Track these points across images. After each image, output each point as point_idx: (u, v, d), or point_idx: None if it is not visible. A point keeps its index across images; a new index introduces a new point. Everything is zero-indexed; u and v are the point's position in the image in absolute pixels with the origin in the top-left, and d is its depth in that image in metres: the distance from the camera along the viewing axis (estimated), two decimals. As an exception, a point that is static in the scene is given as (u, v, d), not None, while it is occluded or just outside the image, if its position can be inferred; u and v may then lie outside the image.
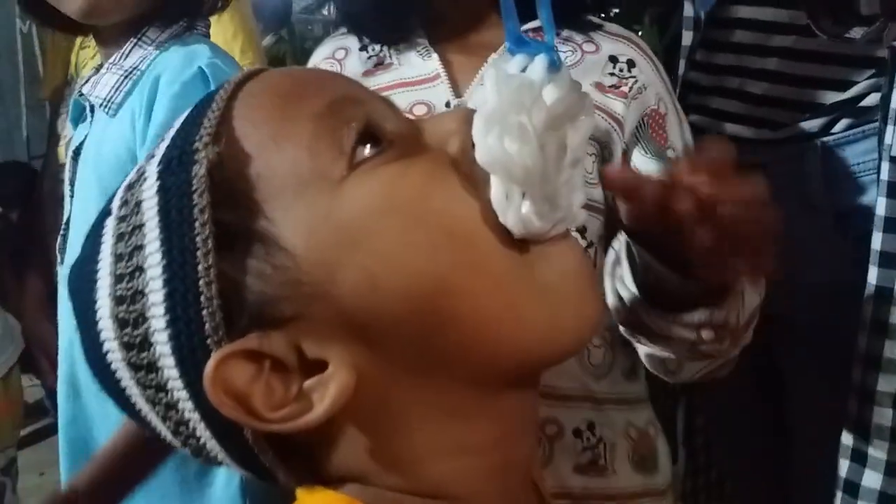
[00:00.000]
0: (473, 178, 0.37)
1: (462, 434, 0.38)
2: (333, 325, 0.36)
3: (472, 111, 0.39)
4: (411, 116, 0.76)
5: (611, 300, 0.60)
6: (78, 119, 0.94)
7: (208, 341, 0.35)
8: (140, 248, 0.37)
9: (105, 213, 0.40)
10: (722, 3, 0.92)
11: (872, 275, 0.83)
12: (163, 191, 0.37)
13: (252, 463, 0.39)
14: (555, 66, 0.38)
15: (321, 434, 0.37)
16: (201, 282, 0.35)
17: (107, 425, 0.87)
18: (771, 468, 1.10)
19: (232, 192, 0.36)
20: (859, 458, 0.88)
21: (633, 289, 0.56)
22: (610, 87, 0.75)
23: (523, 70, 0.38)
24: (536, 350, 0.38)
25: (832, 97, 0.88)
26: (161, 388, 0.37)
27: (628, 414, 0.79)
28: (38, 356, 1.35)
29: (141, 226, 0.37)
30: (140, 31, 0.88)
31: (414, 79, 0.79)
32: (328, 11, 2.58)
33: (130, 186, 0.39)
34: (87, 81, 0.92)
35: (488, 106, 0.37)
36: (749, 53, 0.92)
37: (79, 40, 1.29)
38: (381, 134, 0.37)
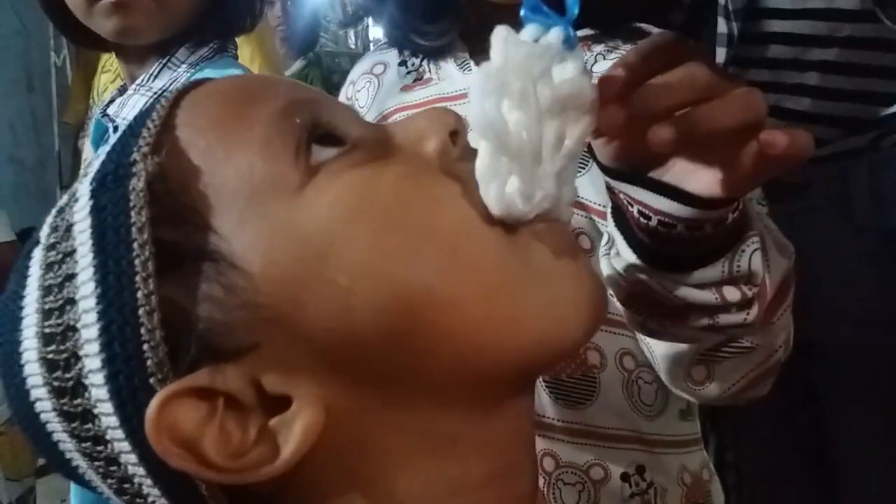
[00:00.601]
0: (456, 176, 0.33)
1: (453, 473, 0.33)
2: (298, 355, 0.31)
3: (446, 109, 0.35)
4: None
5: (614, 288, 0.51)
6: (99, 141, 0.90)
7: (151, 380, 0.30)
8: (71, 276, 0.32)
9: (32, 243, 0.35)
10: (755, 18, 0.88)
11: None
12: (96, 210, 0.32)
13: None
14: (570, 42, 0.34)
15: (286, 482, 0.31)
16: (141, 311, 0.30)
17: None
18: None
19: (175, 206, 0.32)
20: None
21: (634, 258, 0.46)
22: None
23: (535, 41, 0.35)
24: (540, 347, 0.33)
25: (878, 111, 0.84)
26: (99, 439, 0.32)
27: (682, 457, 0.72)
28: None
29: (72, 252, 0.32)
30: (169, 52, 0.85)
31: (453, 93, 0.74)
32: (355, 45, 2.60)
33: (61, 211, 0.34)
34: (111, 102, 0.89)
35: (492, 64, 0.33)
36: (786, 68, 0.88)
37: (100, 64, 1.27)
38: (343, 135, 0.33)
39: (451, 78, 0.76)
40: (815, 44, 0.86)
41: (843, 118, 0.85)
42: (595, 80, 0.35)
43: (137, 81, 0.86)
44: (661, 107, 0.35)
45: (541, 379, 0.66)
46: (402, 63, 0.79)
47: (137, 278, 0.30)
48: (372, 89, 0.81)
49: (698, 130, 0.35)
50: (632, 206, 0.43)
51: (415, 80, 0.78)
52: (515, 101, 0.32)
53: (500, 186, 0.32)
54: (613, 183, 0.43)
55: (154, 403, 0.29)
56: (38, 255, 0.34)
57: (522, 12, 0.35)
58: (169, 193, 0.32)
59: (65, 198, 0.35)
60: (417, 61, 0.78)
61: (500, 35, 0.34)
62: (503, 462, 0.34)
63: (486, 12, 0.73)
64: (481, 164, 0.32)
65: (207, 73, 0.85)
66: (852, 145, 0.85)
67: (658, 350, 0.57)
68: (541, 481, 0.66)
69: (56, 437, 0.33)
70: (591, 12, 0.36)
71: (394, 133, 0.35)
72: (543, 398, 0.67)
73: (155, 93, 0.84)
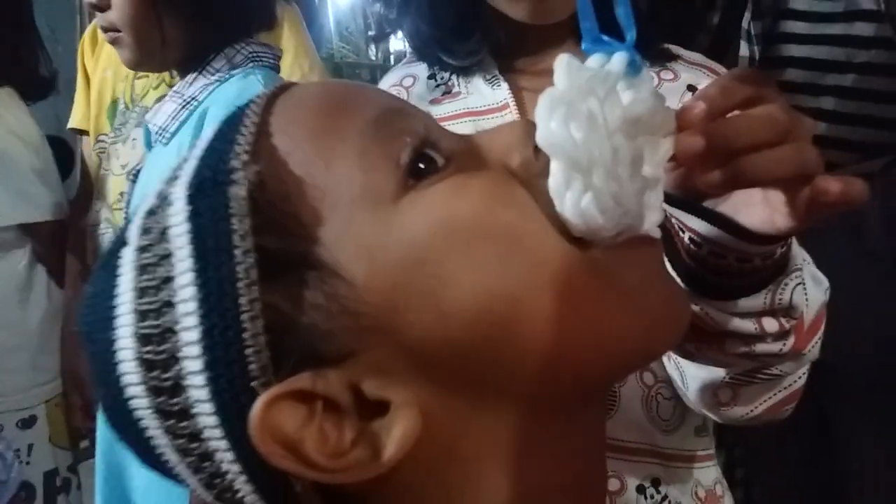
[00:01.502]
0: (539, 192, 0.34)
1: (532, 479, 0.34)
2: (396, 361, 0.32)
3: (531, 122, 0.35)
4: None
5: None
6: (150, 144, 0.94)
7: (253, 383, 0.31)
8: (169, 280, 0.33)
9: (119, 242, 0.36)
10: (775, 42, 0.90)
11: None
12: (195, 216, 0.33)
13: None
14: (635, 66, 0.34)
15: (379, 483, 0.32)
16: (244, 316, 0.31)
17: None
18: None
19: (276, 215, 0.32)
20: None
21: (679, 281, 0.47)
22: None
23: (603, 66, 0.35)
24: (622, 360, 0.35)
25: (892, 137, 0.86)
26: (195, 436, 0.33)
27: (696, 472, 0.73)
28: (70, 392, 1.30)
29: (168, 255, 0.33)
30: (205, 61, 0.88)
31: (481, 108, 0.76)
32: (375, 56, 2.60)
33: (152, 212, 0.35)
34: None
35: (556, 89, 0.34)
36: (802, 93, 0.90)
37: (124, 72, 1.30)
38: (438, 149, 0.34)
39: (479, 92, 0.77)
40: (831, 69, 0.88)
41: (856, 143, 0.87)
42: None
43: (174, 88, 0.89)
44: (740, 143, 0.36)
45: None
46: (431, 76, 0.81)
47: (240, 284, 0.31)
48: None
49: (762, 177, 0.37)
50: (683, 232, 0.44)
51: (444, 94, 0.80)
52: (583, 122, 0.32)
53: (575, 200, 0.32)
54: (666, 207, 0.43)
55: (258, 406, 0.30)
56: (129, 255, 0.34)
57: (584, 46, 0.35)
58: (269, 202, 0.32)
59: (153, 200, 0.35)
60: (447, 75, 0.80)
61: (563, 61, 0.35)
62: (578, 470, 0.35)
63: (515, 30, 0.74)
64: (554, 182, 0.33)
65: (231, 82, 0.87)
66: (864, 170, 0.87)
67: (689, 371, 0.58)
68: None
69: (149, 433, 0.34)
70: (618, 35, 0.36)
71: (480, 144, 0.36)
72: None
73: (185, 99, 0.86)
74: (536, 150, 0.34)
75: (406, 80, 0.83)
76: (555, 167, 0.32)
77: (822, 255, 0.66)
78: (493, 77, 0.76)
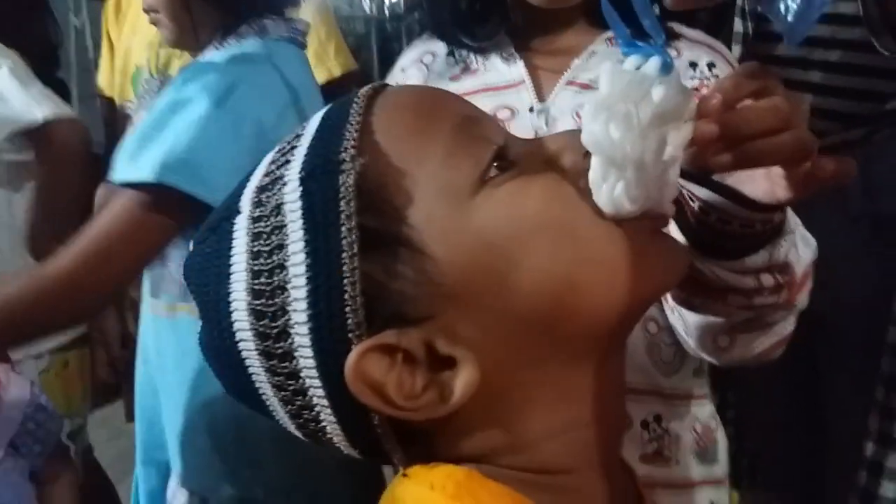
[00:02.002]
0: (584, 186, 0.41)
1: (569, 413, 0.42)
2: (464, 325, 0.39)
3: (580, 130, 0.42)
4: (497, 120, 0.81)
5: None
6: None
7: (350, 335, 0.38)
8: (282, 246, 0.39)
9: (230, 210, 0.43)
10: (766, 18, 0.96)
11: None
12: (307, 195, 0.39)
13: (368, 446, 0.42)
14: (667, 67, 0.41)
15: (444, 421, 0.40)
16: (345, 280, 0.38)
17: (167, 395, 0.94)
18: (802, 453, 1.15)
19: (376, 200, 0.39)
20: (884, 441, 0.94)
21: (687, 243, 0.55)
22: (692, 89, 0.78)
23: (637, 69, 0.42)
24: (641, 304, 0.43)
25: (874, 108, 0.93)
26: (293, 375, 0.40)
27: (694, 408, 0.83)
28: (94, 346, 1.38)
29: (282, 226, 0.40)
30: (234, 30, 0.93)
31: (499, 84, 0.82)
32: (370, 9, 2.60)
33: (263, 189, 0.42)
34: None
35: (600, 94, 0.41)
36: (792, 66, 0.97)
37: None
38: (509, 152, 0.41)
39: (496, 69, 0.84)
40: (818, 45, 0.95)
41: (841, 114, 0.95)
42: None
43: (198, 57, 0.94)
44: (748, 131, 0.43)
45: None
46: (450, 53, 0.87)
47: (344, 255, 0.38)
48: (421, 77, 0.89)
49: (766, 160, 0.45)
50: (693, 201, 0.52)
51: (462, 70, 0.86)
52: (620, 122, 0.39)
53: (609, 191, 0.39)
54: (680, 180, 0.50)
55: (353, 355, 0.38)
56: (243, 223, 0.41)
57: (622, 50, 0.42)
58: (371, 190, 0.39)
59: (263, 178, 0.42)
60: (465, 53, 0.86)
61: (607, 69, 0.41)
62: (604, 406, 0.43)
63: (531, 12, 0.81)
64: (593, 175, 0.40)
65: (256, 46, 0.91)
66: (847, 139, 0.94)
67: (691, 320, 0.66)
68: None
69: (252, 370, 0.41)
70: (621, 13, 0.42)
71: (541, 147, 0.43)
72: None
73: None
74: (586, 153, 0.41)
75: (426, 56, 0.89)
76: (594, 162, 0.40)
77: (810, 219, 0.75)
78: (510, 55, 0.83)
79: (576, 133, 0.42)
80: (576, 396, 0.42)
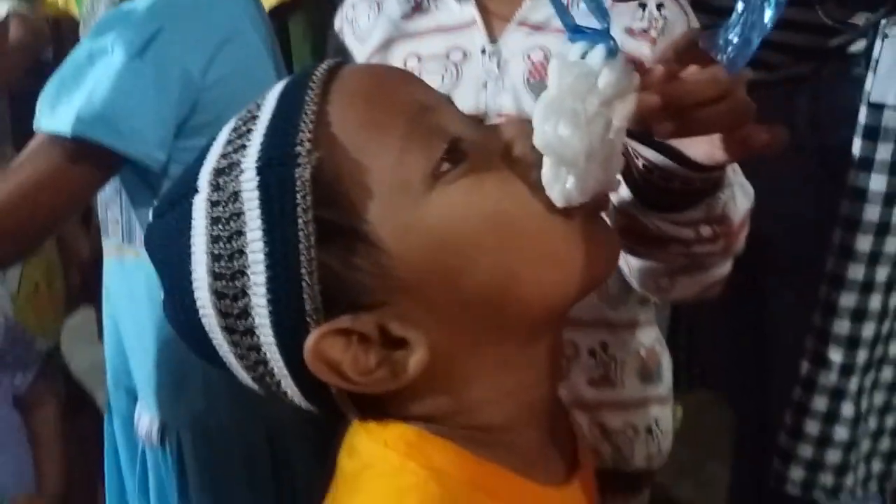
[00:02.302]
0: (533, 178, 0.43)
1: (508, 381, 0.47)
2: (416, 311, 0.43)
3: (530, 122, 0.44)
4: (448, 62, 0.82)
5: (610, 217, 0.63)
6: None
7: (308, 319, 0.41)
8: (240, 233, 0.42)
9: (190, 190, 0.44)
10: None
11: (844, 207, 0.93)
12: (264, 187, 0.41)
13: (326, 407, 0.46)
14: (612, 52, 0.43)
15: (395, 390, 0.44)
16: (303, 270, 0.41)
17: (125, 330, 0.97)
18: (748, 367, 1.24)
19: (332, 193, 0.41)
20: (817, 361, 1.01)
21: (631, 197, 0.59)
22: (640, 31, 0.78)
23: (583, 56, 0.44)
24: (578, 294, 0.46)
25: (824, 43, 0.95)
26: (254, 348, 0.44)
27: (639, 335, 0.89)
28: (67, 266, 1.42)
29: (240, 214, 0.42)
30: None
31: (451, 25, 0.83)
32: None
33: (220, 172, 0.43)
34: None
35: (549, 94, 0.43)
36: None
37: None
38: (461, 144, 0.43)
39: (448, 9, 0.84)
40: None
41: (792, 46, 0.97)
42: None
43: None
44: (688, 101, 0.45)
45: None
46: None
47: (301, 246, 0.40)
48: (373, 15, 0.88)
49: (705, 128, 0.47)
50: (638, 158, 0.55)
51: (413, 10, 0.86)
52: (568, 121, 0.41)
53: (561, 188, 0.42)
54: (627, 140, 0.52)
55: (311, 338, 0.41)
56: (201, 205, 0.43)
57: (568, 36, 0.44)
58: (327, 182, 0.41)
59: (218, 159, 0.44)
60: None
61: (554, 66, 0.43)
62: (539, 374, 0.48)
63: None
64: (545, 174, 0.42)
65: None
66: (797, 72, 0.97)
67: (634, 264, 0.71)
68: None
69: (215, 341, 0.45)
70: None
71: (493, 134, 0.45)
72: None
73: None
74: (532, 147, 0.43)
75: None
76: (546, 162, 0.42)
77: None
78: None
79: (527, 122, 0.44)
80: (515, 368, 0.47)
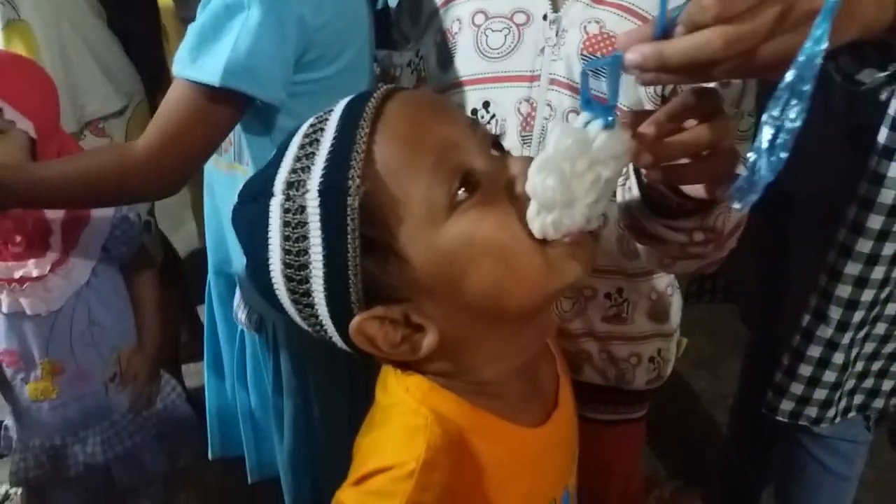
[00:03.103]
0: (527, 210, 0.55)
1: (503, 350, 0.62)
2: (430, 306, 0.57)
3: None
4: (511, 23, 0.91)
5: (622, 208, 0.74)
6: None
7: (352, 307, 0.56)
8: (305, 237, 0.55)
9: (268, 192, 0.57)
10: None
11: (863, 187, 1.00)
12: (324, 207, 0.54)
13: (366, 357, 0.61)
14: (609, 125, 0.53)
15: (416, 361, 0.60)
16: (350, 273, 0.55)
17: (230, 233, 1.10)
18: (765, 297, 1.35)
19: (374, 217, 0.54)
20: (826, 296, 1.09)
21: (639, 200, 0.69)
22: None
23: (587, 123, 0.53)
24: (544, 303, 0.61)
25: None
26: (313, 316, 0.59)
27: (653, 282, 1.00)
28: None
29: (305, 223, 0.55)
30: None
31: (495, 15, 0.90)
32: None
33: (291, 186, 0.56)
34: None
35: (546, 152, 0.53)
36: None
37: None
38: (474, 178, 0.55)
39: None
40: None
41: None
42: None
43: None
44: (673, 159, 0.55)
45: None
46: None
47: (349, 255, 0.54)
48: None
49: (688, 180, 0.59)
50: (643, 177, 0.66)
51: None
52: (556, 177, 0.52)
53: (539, 224, 0.54)
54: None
55: (355, 321, 0.56)
56: (276, 208, 0.56)
57: (580, 103, 0.53)
58: (371, 209, 0.54)
59: (290, 175, 0.56)
60: None
61: (556, 131, 0.53)
62: (522, 346, 0.63)
63: None
64: (529, 213, 0.54)
65: None
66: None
67: (641, 248, 0.80)
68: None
69: (285, 305, 0.60)
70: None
71: (501, 168, 0.57)
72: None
73: None
74: None
75: None
76: (531, 204, 0.54)
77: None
78: None
79: (527, 163, 0.55)
80: (505, 342, 0.61)
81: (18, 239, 1.16)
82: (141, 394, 1.36)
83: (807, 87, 0.46)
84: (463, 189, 0.55)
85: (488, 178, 0.56)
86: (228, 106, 0.89)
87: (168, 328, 1.44)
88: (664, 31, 0.49)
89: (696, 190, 0.61)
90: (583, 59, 0.88)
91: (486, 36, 0.92)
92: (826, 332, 1.10)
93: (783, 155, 0.47)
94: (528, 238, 0.56)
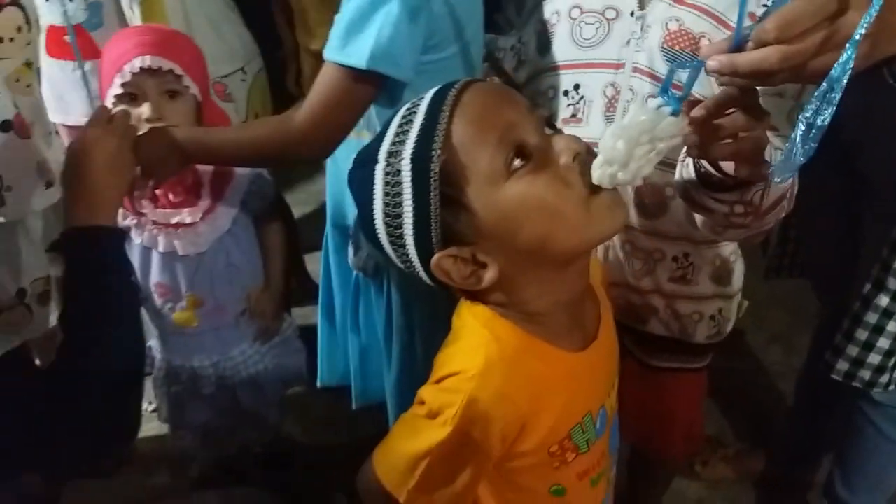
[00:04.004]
0: (572, 177, 0.71)
1: (548, 287, 0.77)
2: (491, 248, 0.73)
3: (578, 140, 0.72)
4: (603, 18, 1.05)
5: (680, 182, 0.89)
6: None
7: (433, 247, 0.73)
8: (399, 193, 0.72)
9: (374, 158, 0.74)
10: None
11: None
12: (414, 171, 0.71)
13: (445, 288, 0.78)
14: (675, 113, 0.68)
15: (481, 290, 0.76)
16: (432, 222, 0.72)
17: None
18: (837, 272, 1.41)
19: (450, 179, 0.71)
20: (878, 286, 1.18)
21: (693, 176, 0.83)
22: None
23: (659, 107, 0.68)
24: (585, 249, 0.77)
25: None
26: (405, 254, 0.76)
27: (718, 250, 1.12)
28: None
29: (400, 183, 0.72)
30: None
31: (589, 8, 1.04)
32: None
33: (391, 154, 0.73)
34: None
35: (624, 121, 0.68)
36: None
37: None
38: (528, 151, 0.70)
39: None
40: None
41: None
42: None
43: None
44: (717, 138, 0.69)
45: (631, 200, 1.08)
46: None
47: (431, 208, 0.71)
48: None
49: (724, 157, 0.73)
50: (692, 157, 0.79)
51: None
52: (625, 141, 0.66)
53: (599, 173, 0.68)
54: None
55: (435, 258, 0.72)
56: (380, 172, 0.73)
57: (658, 91, 0.68)
58: (448, 173, 0.70)
59: (391, 146, 0.73)
60: None
61: (633, 108, 0.68)
62: (567, 284, 0.78)
63: None
64: (595, 163, 0.69)
65: None
66: None
67: (696, 217, 0.93)
68: (620, 254, 1.11)
69: (385, 248, 0.77)
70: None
71: (551, 144, 0.72)
72: (632, 212, 1.08)
73: None
74: (575, 156, 0.71)
75: None
76: (598, 157, 0.69)
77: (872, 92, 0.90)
78: None
79: (572, 140, 0.72)
80: (550, 281, 0.77)
81: (178, 190, 1.35)
82: (267, 328, 1.54)
83: (836, 96, 0.59)
84: (519, 159, 0.71)
85: (539, 150, 0.72)
86: (370, 84, 1.06)
87: (289, 273, 1.64)
88: (738, 45, 0.63)
89: (731, 167, 0.75)
90: (663, 51, 1.00)
91: (581, 27, 1.06)
92: (883, 300, 1.19)
93: (814, 145, 0.61)
94: (571, 198, 0.71)
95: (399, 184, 0.72)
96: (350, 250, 1.35)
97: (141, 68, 1.23)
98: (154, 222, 1.37)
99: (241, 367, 1.55)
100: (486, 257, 0.74)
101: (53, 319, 1.52)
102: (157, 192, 1.35)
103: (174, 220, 1.36)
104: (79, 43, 1.62)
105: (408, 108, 0.76)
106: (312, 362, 1.61)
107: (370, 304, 1.38)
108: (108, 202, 1.01)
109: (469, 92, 0.74)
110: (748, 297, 1.26)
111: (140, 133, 1.10)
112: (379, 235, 0.77)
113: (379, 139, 0.76)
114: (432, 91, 0.76)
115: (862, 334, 1.24)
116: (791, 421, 1.80)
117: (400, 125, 0.75)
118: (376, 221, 0.76)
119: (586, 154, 0.72)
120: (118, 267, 1.01)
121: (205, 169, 1.37)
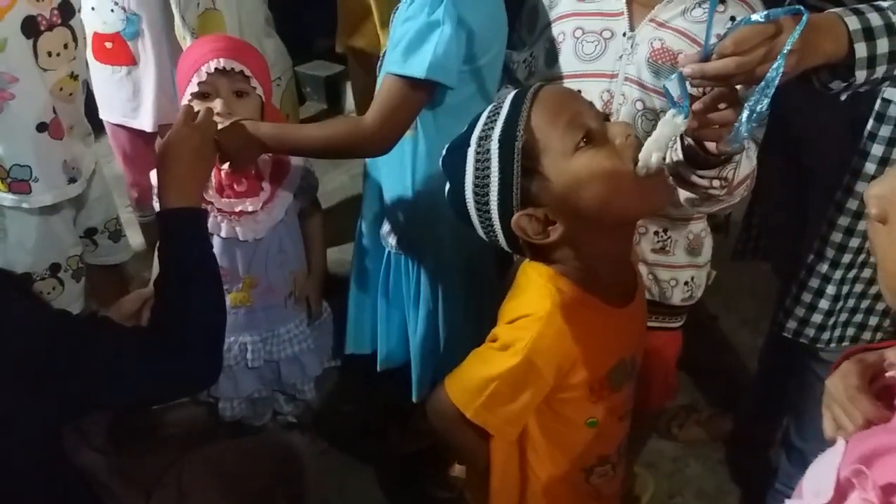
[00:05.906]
0: (624, 154, 0.93)
1: (604, 248, 1.00)
2: (560, 211, 0.94)
3: (630, 127, 0.96)
4: (600, 37, 1.29)
5: (671, 163, 1.06)
6: None
7: (514, 209, 0.95)
8: (487, 168, 0.94)
9: (467, 142, 0.96)
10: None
11: (855, 161, 1.30)
12: (501, 150, 0.93)
13: (514, 248, 1.02)
14: (684, 115, 0.92)
15: (548, 245, 0.98)
16: (514, 189, 0.93)
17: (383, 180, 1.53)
18: (790, 247, 1.59)
19: (530, 154, 0.92)
20: (818, 255, 1.36)
21: (681, 157, 1.03)
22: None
23: (673, 116, 0.92)
24: (636, 216, 1.03)
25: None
26: (488, 220, 0.97)
27: (690, 226, 1.37)
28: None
29: (489, 160, 0.93)
30: None
31: (608, 11, 1.27)
32: None
33: (481, 139, 0.95)
34: None
35: (656, 133, 0.93)
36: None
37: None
38: (591, 134, 0.94)
39: (608, 1, 1.27)
40: None
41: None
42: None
43: None
44: (711, 124, 0.91)
45: None
46: None
47: (514, 178, 0.94)
48: None
49: (713, 139, 0.95)
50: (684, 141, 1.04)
51: None
52: (654, 144, 0.90)
53: (646, 159, 0.91)
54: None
55: (515, 217, 0.95)
56: (471, 154, 0.96)
57: (668, 104, 0.92)
58: (528, 149, 0.92)
59: (481, 132, 0.96)
60: None
61: (661, 123, 0.91)
62: (617, 246, 1.02)
63: None
64: (642, 155, 0.91)
65: None
66: None
67: (680, 193, 1.16)
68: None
69: (472, 217, 0.99)
70: None
71: (607, 128, 0.94)
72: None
73: None
74: (629, 136, 0.93)
75: None
76: (646, 147, 0.93)
77: (805, 89, 1.04)
78: None
79: (624, 126, 0.95)
80: (604, 242, 1.01)
81: (244, 181, 1.50)
82: (316, 311, 1.70)
83: (770, 90, 0.87)
84: (584, 140, 0.95)
85: (599, 134, 0.96)
86: (424, 91, 1.30)
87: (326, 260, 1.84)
88: (706, 57, 0.89)
89: (713, 147, 1.00)
90: (649, 64, 1.25)
91: (582, 45, 1.31)
92: (822, 267, 1.38)
93: (755, 124, 0.90)
94: (624, 171, 0.94)
95: (488, 160, 0.94)
96: (385, 226, 1.57)
97: (216, 69, 1.40)
98: (219, 210, 1.52)
99: (287, 345, 1.70)
100: (555, 216, 0.94)
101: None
102: (224, 182, 1.52)
103: (237, 209, 1.52)
104: (115, 49, 1.83)
105: (493, 105, 1.00)
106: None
107: (399, 277, 1.60)
108: (195, 187, 1.21)
109: (543, 90, 0.97)
110: (719, 287, 1.48)
111: (220, 127, 1.31)
112: (468, 204, 0.97)
113: (469, 131, 1.00)
114: (513, 92, 0.99)
115: (806, 297, 1.42)
116: (754, 387, 2.04)
117: (488, 117, 0.97)
118: (466, 193, 0.97)
119: (634, 137, 0.95)
120: (204, 239, 1.22)
121: (265, 164, 1.56)
